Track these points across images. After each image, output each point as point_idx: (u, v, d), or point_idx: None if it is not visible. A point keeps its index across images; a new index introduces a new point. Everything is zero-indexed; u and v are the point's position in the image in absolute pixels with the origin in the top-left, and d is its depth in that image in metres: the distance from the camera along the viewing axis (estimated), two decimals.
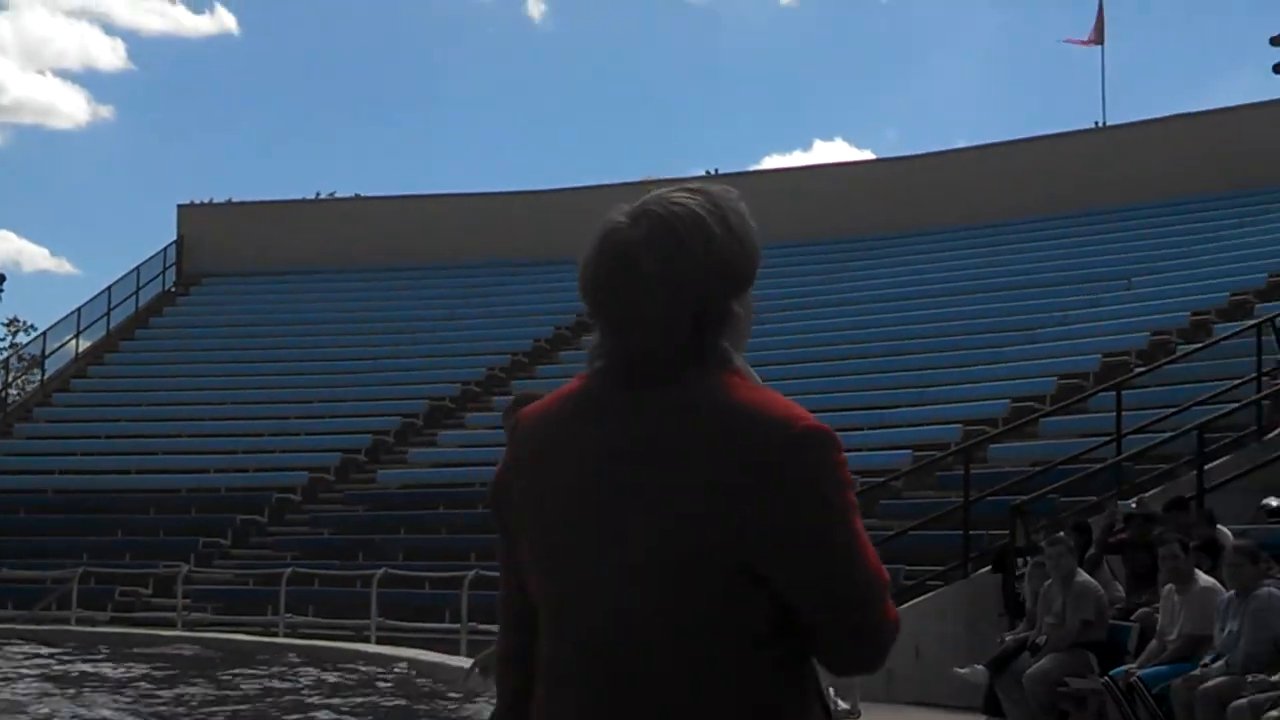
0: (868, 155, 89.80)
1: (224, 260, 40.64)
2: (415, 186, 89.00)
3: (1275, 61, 40.38)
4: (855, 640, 2.56)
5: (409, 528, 27.17)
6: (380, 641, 20.47)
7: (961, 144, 55.47)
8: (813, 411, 2.56)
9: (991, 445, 21.17)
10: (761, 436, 2.50)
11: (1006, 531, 15.21)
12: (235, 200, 43.84)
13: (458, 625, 20.39)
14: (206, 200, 43.84)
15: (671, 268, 2.54)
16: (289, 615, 23.18)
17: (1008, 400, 23.81)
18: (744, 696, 2.54)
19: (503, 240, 39.50)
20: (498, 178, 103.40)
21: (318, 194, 48.50)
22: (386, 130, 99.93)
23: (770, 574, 2.51)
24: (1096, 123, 37.69)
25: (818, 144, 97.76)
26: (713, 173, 41.64)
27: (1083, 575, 12.37)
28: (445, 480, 28.87)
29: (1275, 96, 34.25)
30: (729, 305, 2.60)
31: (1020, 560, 14.28)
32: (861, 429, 24.56)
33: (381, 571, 22.14)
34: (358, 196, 45.21)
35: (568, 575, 2.59)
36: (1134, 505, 14.16)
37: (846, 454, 2.55)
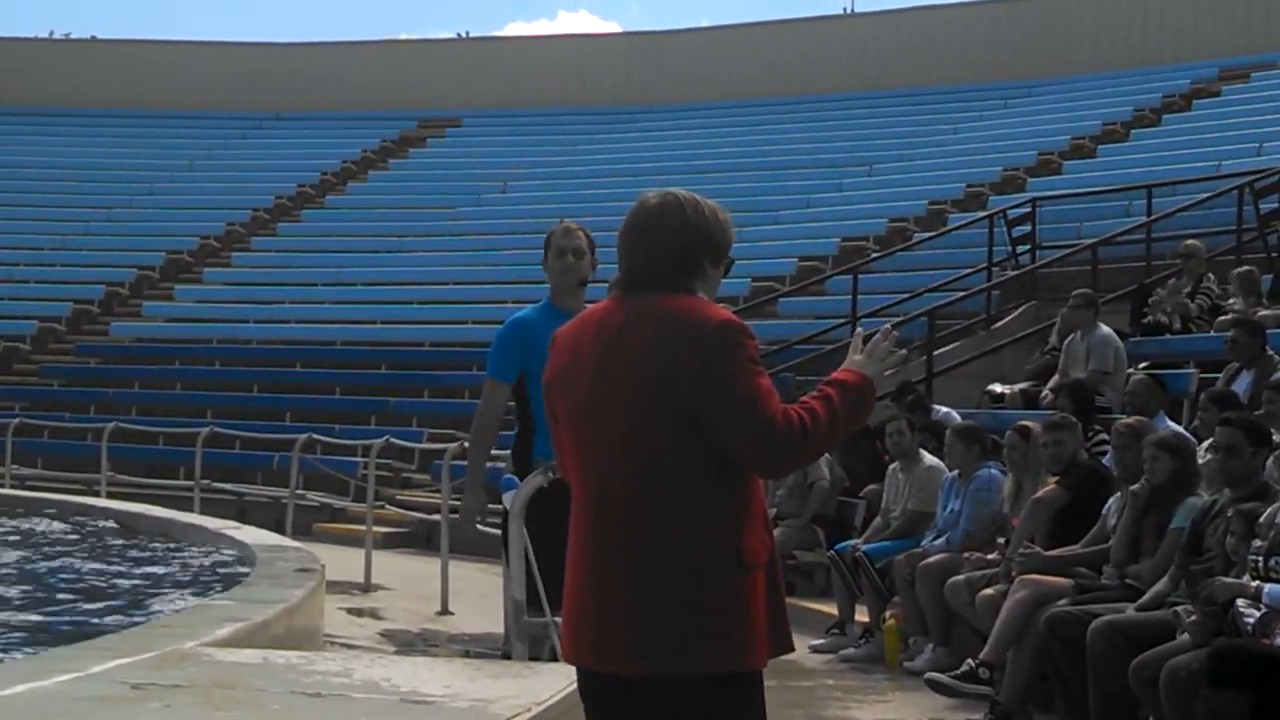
0: (614, 27, 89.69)
1: None
2: (156, 31, 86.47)
3: None
4: (765, 459, 3.82)
5: (143, 382, 26.66)
6: (111, 497, 20.07)
7: (705, 23, 55.62)
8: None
9: None
10: (695, 329, 3.80)
11: None
12: None
13: (191, 483, 20.11)
14: None
15: (667, 224, 3.93)
16: (15, 467, 22.63)
17: (749, 280, 24.18)
18: (695, 515, 3.79)
19: (247, 92, 38.56)
20: (241, 27, 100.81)
21: (51, 33, 46.77)
22: None
23: (704, 421, 3.76)
24: (845, 9, 38.19)
25: (562, 14, 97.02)
26: (464, 35, 41.22)
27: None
28: (181, 336, 28.35)
29: None
30: (702, 261, 3.96)
31: None
32: None
33: (113, 425, 21.68)
34: (94, 38, 43.69)
35: (585, 438, 3.90)
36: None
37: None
